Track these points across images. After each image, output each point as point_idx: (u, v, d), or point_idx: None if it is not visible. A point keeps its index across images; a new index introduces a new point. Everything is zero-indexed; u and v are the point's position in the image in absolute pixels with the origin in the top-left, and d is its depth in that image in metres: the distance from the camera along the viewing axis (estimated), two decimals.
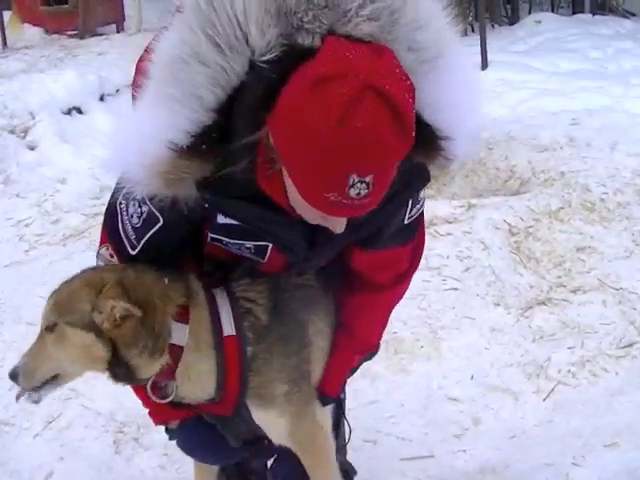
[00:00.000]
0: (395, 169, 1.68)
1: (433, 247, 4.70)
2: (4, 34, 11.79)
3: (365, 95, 1.55)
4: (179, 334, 2.09)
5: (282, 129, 1.65)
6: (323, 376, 2.42)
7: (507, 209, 5.27)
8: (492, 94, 8.32)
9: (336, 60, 1.60)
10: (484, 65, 8.98)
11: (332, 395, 2.47)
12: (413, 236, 2.30)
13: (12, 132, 7.31)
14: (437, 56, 1.80)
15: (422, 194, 2.19)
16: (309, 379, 2.32)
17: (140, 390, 2.27)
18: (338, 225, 1.82)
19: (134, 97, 1.94)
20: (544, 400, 3.67)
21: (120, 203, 2.12)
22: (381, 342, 2.57)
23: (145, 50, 2.00)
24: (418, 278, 2.85)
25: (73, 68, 8.73)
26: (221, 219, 2.04)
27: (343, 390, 2.60)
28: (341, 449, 2.65)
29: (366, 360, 2.59)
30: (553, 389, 3.72)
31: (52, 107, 7.60)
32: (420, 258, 2.43)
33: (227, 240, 2.11)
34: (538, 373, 3.84)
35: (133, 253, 2.13)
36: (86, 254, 4.96)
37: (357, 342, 2.45)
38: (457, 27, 1.89)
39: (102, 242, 2.23)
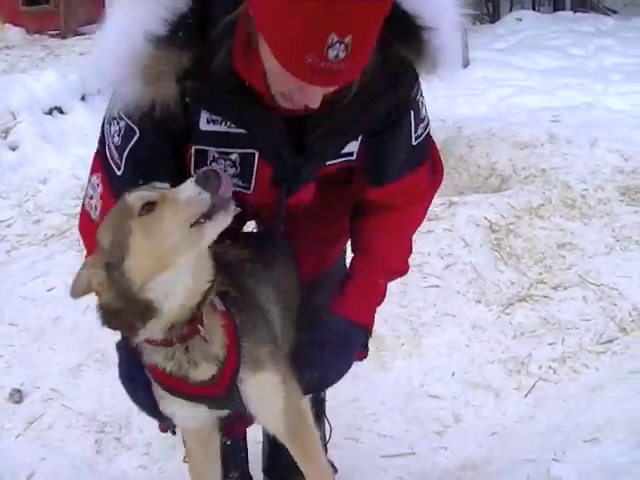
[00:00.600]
0: (375, 35, 1.69)
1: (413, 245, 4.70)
2: None
3: None
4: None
5: None
6: (345, 301, 2.37)
7: (488, 206, 5.29)
8: (473, 91, 8.38)
9: None
10: (465, 63, 9.02)
11: (360, 320, 2.39)
12: (425, 156, 2.30)
13: None
14: None
15: (424, 112, 2.20)
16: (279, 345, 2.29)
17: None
18: (314, 100, 1.82)
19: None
20: (525, 396, 3.68)
21: (104, 126, 2.13)
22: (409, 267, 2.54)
23: None
24: None
25: (54, 68, 8.66)
26: (204, 125, 2.02)
27: (373, 320, 2.46)
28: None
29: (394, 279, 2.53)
30: (534, 385, 3.73)
31: (34, 107, 7.54)
32: (439, 184, 2.43)
33: (212, 149, 2.08)
34: (519, 369, 3.85)
35: (119, 174, 2.11)
36: (67, 254, 4.96)
37: (377, 264, 2.40)
38: None
39: (94, 170, 2.22)
